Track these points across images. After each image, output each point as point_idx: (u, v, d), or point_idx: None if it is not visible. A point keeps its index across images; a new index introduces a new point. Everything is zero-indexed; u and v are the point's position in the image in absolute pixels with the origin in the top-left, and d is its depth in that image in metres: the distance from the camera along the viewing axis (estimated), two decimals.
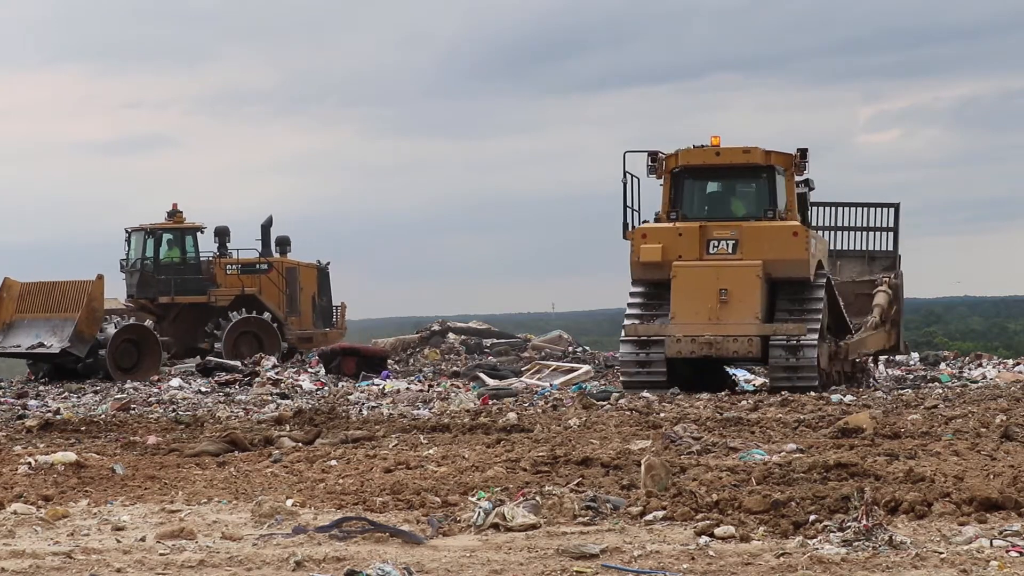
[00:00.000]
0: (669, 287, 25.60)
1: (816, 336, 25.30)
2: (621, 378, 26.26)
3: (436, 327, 42.07)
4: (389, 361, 36.18)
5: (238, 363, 36.41)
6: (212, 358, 36.09)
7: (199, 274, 38.55)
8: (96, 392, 30.29)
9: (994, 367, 30.36)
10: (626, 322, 25.86)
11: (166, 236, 38.60)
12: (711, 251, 25.58)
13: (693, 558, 8.98)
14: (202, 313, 38.19)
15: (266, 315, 38.04)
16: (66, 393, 30.04)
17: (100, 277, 34.69)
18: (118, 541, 10.06)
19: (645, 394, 23.88)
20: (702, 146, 26.31)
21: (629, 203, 26.42)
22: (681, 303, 25.34)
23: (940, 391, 24.13)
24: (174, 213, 38.74)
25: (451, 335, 41.25)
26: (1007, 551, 8.87)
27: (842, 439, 15.49)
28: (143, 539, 10.11)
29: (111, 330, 34.22)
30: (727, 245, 25.58)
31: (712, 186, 26.62)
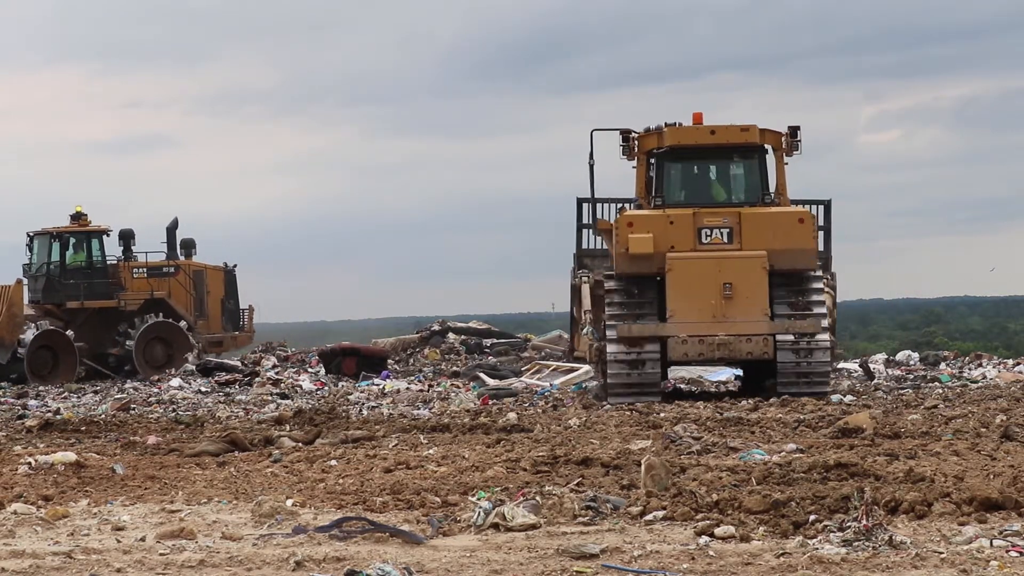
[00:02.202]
0: (655, 281, 23.17)
1: (828, 335, 23.25)
2: (610, 386, 22.97)
3: (436, 327, 42.00)
4: (389, 361, 36.15)
5: (238, 363, 36.36)
6: (213, 359, 35.98)
7: (107, 278, 37.93)
8: (96, 392, 30.32)
9: (994, 367, 30.32)
10: (610, 322, 23.00)
11: (71, 240, 38.09)
12: (703, 241, 23.06)
13: (693, 558, 8.98)
14: (110, 317, 37.65)
15: (180, 320, 37.56)
16: (66, 393, 30.07)
17: (19, 282, 34.53)
18: (118, 541, 10.06)
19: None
20: (675, 124, 23.68)
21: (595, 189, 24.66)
22: (680, 300, 22.82)
23: (940, 391, 24.11)
24: (78, 216, 38.08)
25: (451, 335, 41.18)
26: (1007, 551, 8.87)
27: (842, 439, 15.48)
28: (143, 539, 10.11)
29: (29, 336, 34.15)
30: (721, 234, 23.11)
31: (700, 168, 23.99)
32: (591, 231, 26.70)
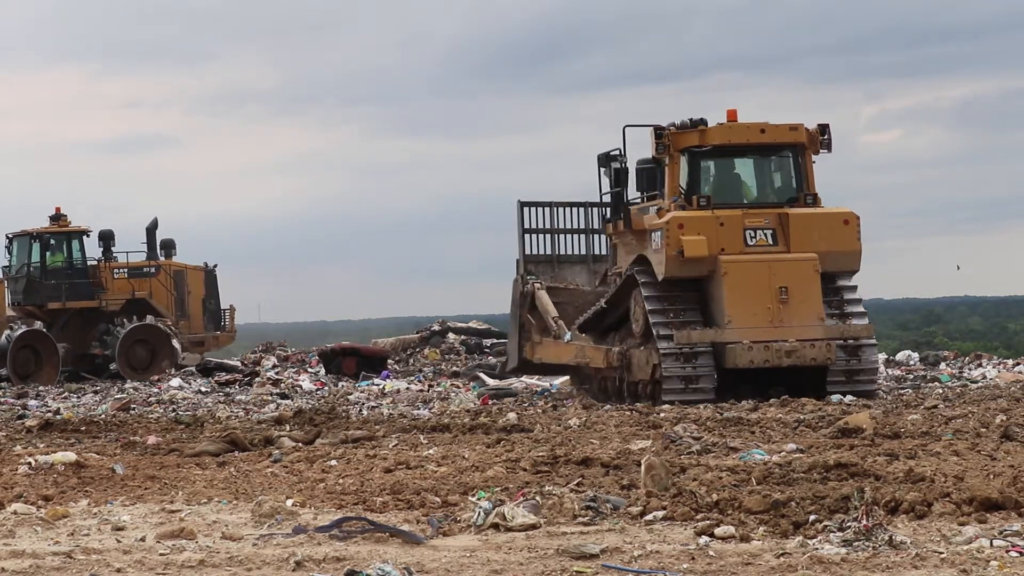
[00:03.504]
0: (698, 285, 22.69)
1: (874, 336, 23.01)
2: (664, 391, 22.26)
3: (436, 327, 41.99)
4: (389, 361, 36.17)
5: (238, 363, 36.36)
6: (213, 359, 35.99)
7: (87, 278, 37.84)
8: (96, 392, 30.33)
9: (994, 367, 30.31)
10: (664, 332, 22.37)
11: (51, 240, 38.03)
12: (749, 243, 22.53)
13: (693, 558, 8.98)
14: (91, 318, 37.59)
15: (157, 319, 37.42)
16: (66, 393, 30.08)
17: (0, 283, 34.50)
18: (118, 541, 10.06)
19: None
20: (701, 121, 23.12)
21: (619, 187, 23.89)
22: (737, 304, 22.24)
23: (940, 391, 24.10)
24: (58, 217, 37.96)
25: (451, 335, 41.18)
26: (1007, 551, 8.86)
27: (842, 439, 15.48)
28: (143, 539, 10.11)
29: (12, 335, 34.14)
30: (766, 235, 22.64)
31: (743, 167, 23.56)
32: (535, 236, 26.45)
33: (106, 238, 38.52)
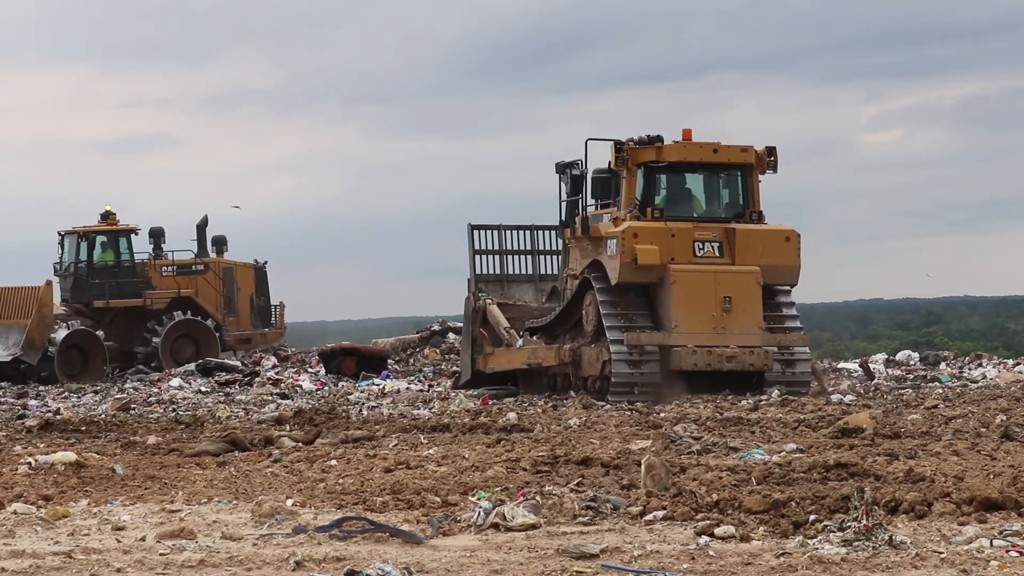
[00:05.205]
0: (648, 291, 24.16)
1: (807, 348, 24.68)
2: (613, 386, 23.68)
3: (436, 327, 41.97)
4: (389, 361, 36.16)
5: (238, 363, 36.38)
6: (215, 360, 36.02)
7: (134, 276, 38.12)
8: (96, 392, 30.33)
9: (994, 367, 30.31)
10: (615, 334, 23.75)
11: (99, 239, 38.24)
12: (697, 254, 24.12)
13: (693, 558, 8.98)
14: (138, 316, 37.87)
15: (207, 318, 37.75)
16: (66, 393, 30.08)
17: (49, 283, 34.69)
18: (118, 541, 10.06)
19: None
20: (659, 137, 24.60)
21: (572, 196, 25.43)
22: (684, 311, 23.76)
23: (940, 391, 24.12)
24: (107, 215, 38.38)
25: (451, 335, 41.12)
26: (1007, 551, 8.87)
27: (842, 439, 15.48)
28: (143, 539, 10.11)
29: (60, 336, 34.24)
30: (713, 248, 24.18)
31: (694, 183, 25.18)
32: (485, 256, 28.08)
33: (156, 235, 39.02)
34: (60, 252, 38.13)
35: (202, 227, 39.17)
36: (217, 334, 37.71)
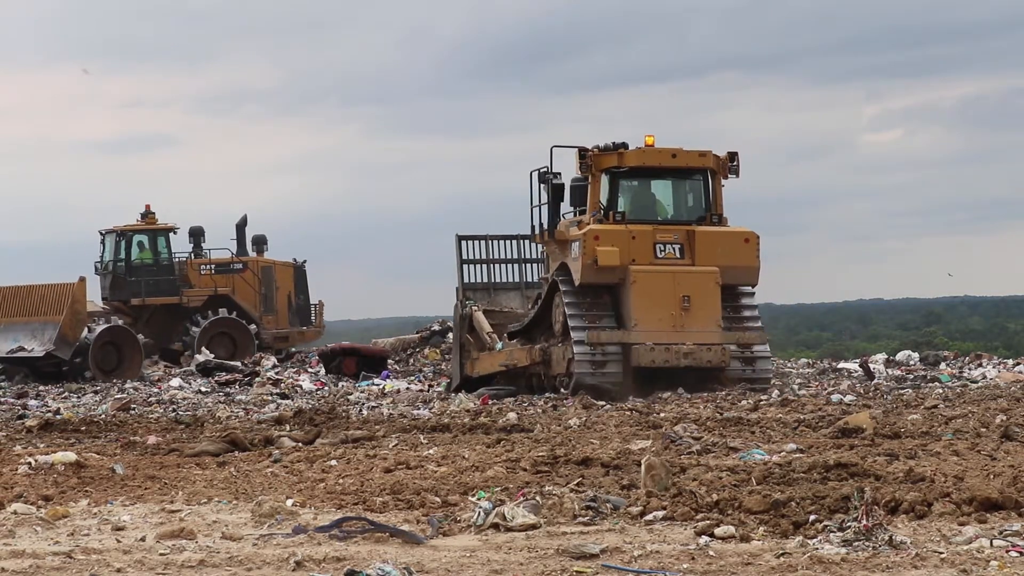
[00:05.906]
0: (612, 291, 24.98)
1: (767, 346, 25.38)
2: (576, 383, 24.41)
3: (436, 327, 41.98)
4: (389, 361, 36.17)
5: (238, 363, 36.40)
6: (214, 359, 36.08)
7: (172, 275, 38.39)
8: (96, 392, 30.32)
9: (994, 367, 30.30)
10: (578, 334, 24.51)
11: (138, 238, 38.50)
12: (659, 255, 25.02)
13: (693, 558, 8.98)
14: (175, 314, 38.10)
15: (243, 317, 37.96)
16: (66, 393, 30.07)
17: (82, 280, 34.79)
18: (118, 541, 10.06)
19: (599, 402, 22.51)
20: (623, 144, 25.42)
21: (543, 202, 26.11)
22: (643, 310, 24.66)
23: (940, 391, 24.11)
24: (147, 214, 38.66)
25: (451, 335, 41.15)
26: (1007, 551, 8.87)
27: (842, 439, 15.48)
28: (143, 539, 10.11)
29: (93, 333, 34.31)
30: (674, 249, 25.03)
31: (656, 187, 26.10)
32: (472, 265, 28.93)
33: (196, 235, 39.29)
34: (101, 250, 38.58)
35: (241, 226, 39.50)
36: (254, 332, 37.95)
